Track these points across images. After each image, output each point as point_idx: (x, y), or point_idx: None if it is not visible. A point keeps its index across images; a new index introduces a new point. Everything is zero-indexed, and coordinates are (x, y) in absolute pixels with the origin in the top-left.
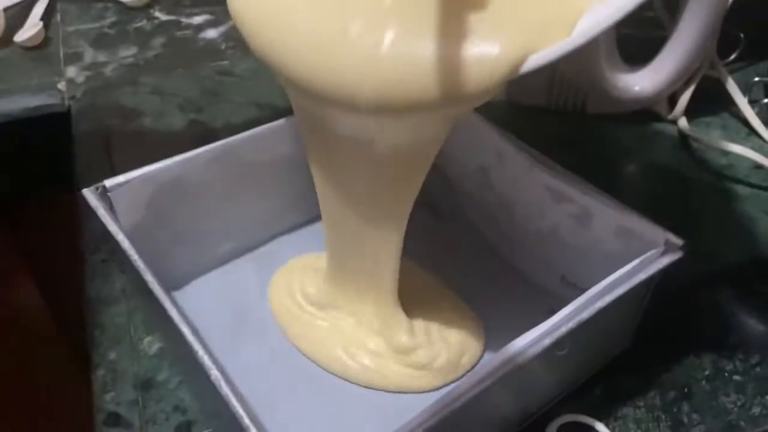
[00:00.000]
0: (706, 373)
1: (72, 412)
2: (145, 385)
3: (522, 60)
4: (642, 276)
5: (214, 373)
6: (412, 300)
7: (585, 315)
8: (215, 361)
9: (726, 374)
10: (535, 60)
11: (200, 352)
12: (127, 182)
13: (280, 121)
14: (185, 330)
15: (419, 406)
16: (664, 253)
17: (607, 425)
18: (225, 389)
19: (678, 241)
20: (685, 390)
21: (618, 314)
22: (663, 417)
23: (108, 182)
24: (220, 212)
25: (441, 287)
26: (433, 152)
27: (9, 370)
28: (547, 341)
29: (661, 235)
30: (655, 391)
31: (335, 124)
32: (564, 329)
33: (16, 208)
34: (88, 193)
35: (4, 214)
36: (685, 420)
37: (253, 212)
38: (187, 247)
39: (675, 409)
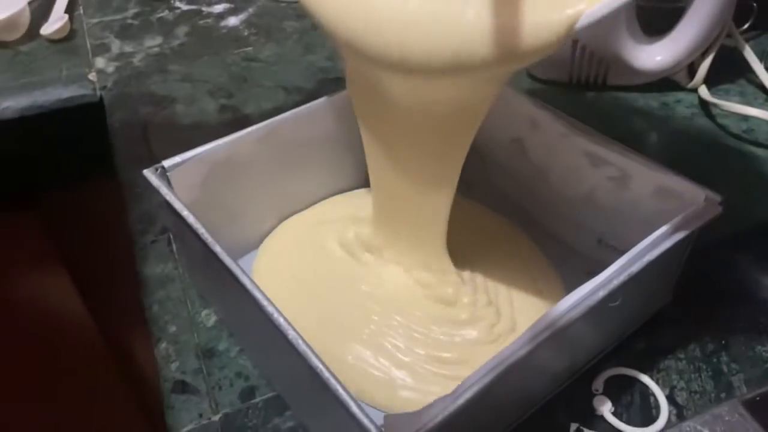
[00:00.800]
0: (742, 325)
1: (106, 402)
2: (207, 354)
3: (577, 17)
4: (685, 231)
5: (292, 333)
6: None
7: (635, 268)
8: (289, 322)
9: (760, 325)
10: (589, 15)
11: (275, 314)
12: (183, 162)
13: (321, 101)
14: (258, 295)
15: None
16: (704, 210)
17: (651, 377)
18: (303, 347)
19: (717, 197)
20: (723, 341)
21: (662, 269)
22: (703, 367)
23: (166, 162)
24: (267, 188)
25: (520, 237)
26: (485, 110)
27: (40, 360)
28: (601, 293)
29: (700, 193)
30: (695, 343)
31: (395, 86)
32: (616, 282)
33: (48, 198)
34: (149, 174)
35: (36, 204)
36: (725, 369)
37: (295, 187)
38: (236, 222)
39: (714, 360)
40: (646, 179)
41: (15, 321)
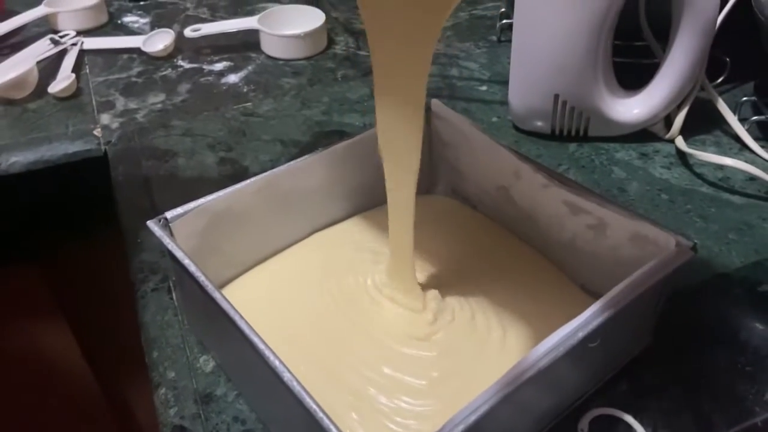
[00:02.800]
0: (721, 365)
1: None
2: (205, 399)
3: None
4: (658, 276)
5: (287, 376)
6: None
7: (611, 312)
8: (285, 365)
9: (739, 365)
10: None
11: (271, 357)
12: (185, 213)
13: (315, 154)
14: (256, 340)
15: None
16: (676, 255)
17: (634, 417)
18: (299, 390)
19: (688, 243)
20: (703, 381)
21: (638, 311)
22: (685, 407)
23: (169, 214)
24: (264, 235)
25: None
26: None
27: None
28: (581, 334)
29: (672, 238)
30: (676, 383)
31: None
32: (595, 323)
33: (49, 249)
34: (152, 224)
35: (38, 255)
36: (706, 408)
37: (291, 235)
38: (234, 268)
39: (695, 400)
40: (622, 227)
41: (12, 371)
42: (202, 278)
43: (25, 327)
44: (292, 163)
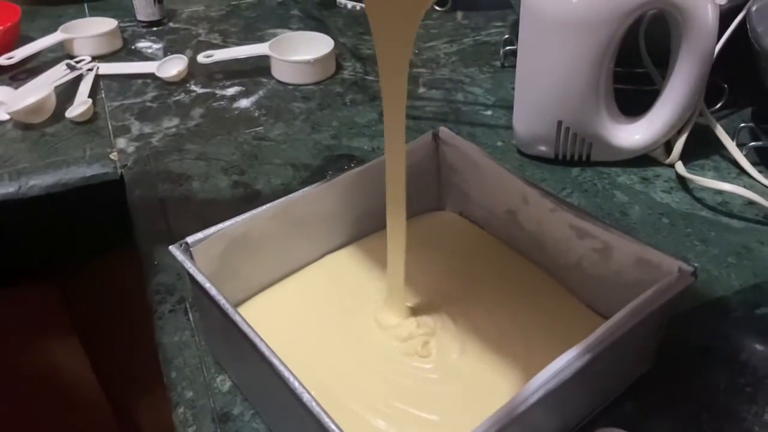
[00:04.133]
0: (722, 386)
1: None
2: (223, 418)
3: None
4: (661, 300)
5: (306, 397)
6: None
7: (615, 335)
8: (304, 386)
9: (738, 385)
10: None
11: (291, 378)
12: (205, 238)
13: (326, 182)
14: (276, 361)
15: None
16: (678, 279)
17: None
18: (317, 408)
19: (689, 268)
20: (704, 401)
21: (641, 334)
22: (687, 426)
23: (189, 239)
24: (278, 259)
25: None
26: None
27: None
28: (586, 357)
29: (674, 263)
30: (678, 403)
31: None
32: (600, 347)
33: (67, 270)
34: (174, 249)
35: (56, 276)
36: (707, 428)
37: (304, 258)
38: (251, 290)
39: (696, 419)
40: (627, 251)
41: (27, 389)
42: (222, 301)
43: (40, 346)
44: (305, 189)
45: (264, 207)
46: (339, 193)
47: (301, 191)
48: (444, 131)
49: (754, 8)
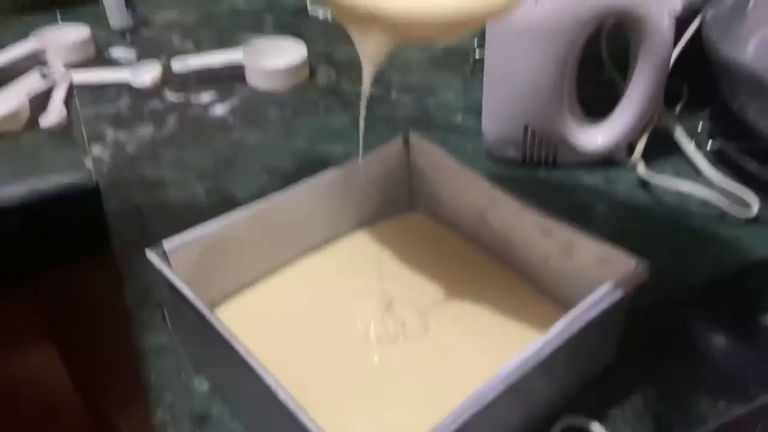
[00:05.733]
0: (681, 376)
1: None
2: (201, 419)
3: None
4: (618, 294)
5: (282, 395)
6: None
7: (574, 327)
8: (281, 384)
9: (699, 375)
10: None
11: (267, 377)
12: (182, 244)
13: (302, 184)
14: (251, 360)
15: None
16: (634, 275)
17: (602, 425)
18: (293, 405)
19: (645, 264)
20: (664, 391)
21: (603, 327)
22: (646, 415)
23: (166, 244)
24: (254, 260)
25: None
26: None
27: None
28: (548, 349)
29: (630, 260)
30: (640, 394)
31: None
32: (560, 339)
33: (43, 278)
34: (151, 254)
35: (32, 284)
36: (666, 415)
37: (281, 261)
38: (224, 292)
39: (655, 409)
40: (588, 249)
41: (5, 402)
42: (199, 305)
43: (16, 355)
44: (281, 192)
45: (240, 210)
46: (314, 195)
47: (277, 193)
48: (414, 136)
49: (708, 16)
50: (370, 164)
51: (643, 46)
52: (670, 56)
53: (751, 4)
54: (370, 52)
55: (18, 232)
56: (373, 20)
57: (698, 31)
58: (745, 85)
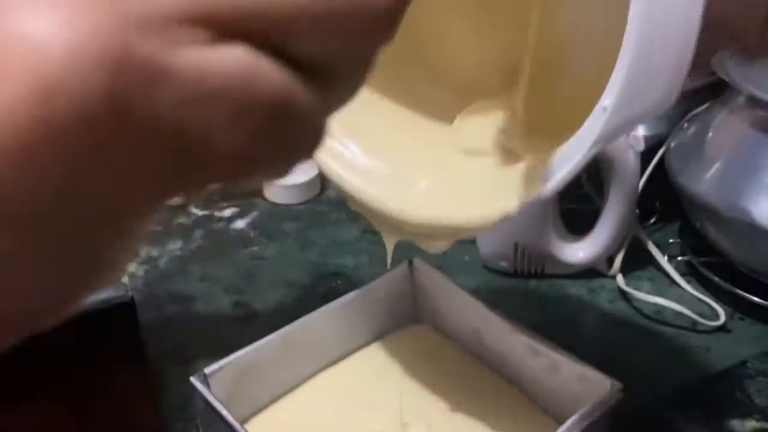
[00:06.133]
0: None
1: None
2: None
3: (507, 211)
4: (595, 414)
5: None
6: None
7: None
8: None
9: None
10: (514, 213)
11: None
12: (220, 368)
13: (320, 310)
14: None
15: None
16: (611, 395)
17: None
18: None
19: (619, 385)
20: None
21: None
22: None
23: (207, 370)
24: (282, 377)
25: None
26: None
27: None
28: None
29: (607, 381)
30: None
31: None
32: None
33: (77, 388)
34: (194, 380)
35: (66, 392)
36: None
37: (304, 372)
38: (255, 407)
39: None
40: (572, 369)
41: None
42: (235, 424)
43: None
44: (305, 318)
45: (270, 337)
46: (330, 317)
47: (301, 320)
48: (417, 261)
49: (672, 145)
50: (380, 286)
51: (613, 178)
52: (638, 186)
53: (709, 136)
54: (386, 234)
55: (54, 343)
56: (383, 222)
57: (663, 158)
58: (703, 212)
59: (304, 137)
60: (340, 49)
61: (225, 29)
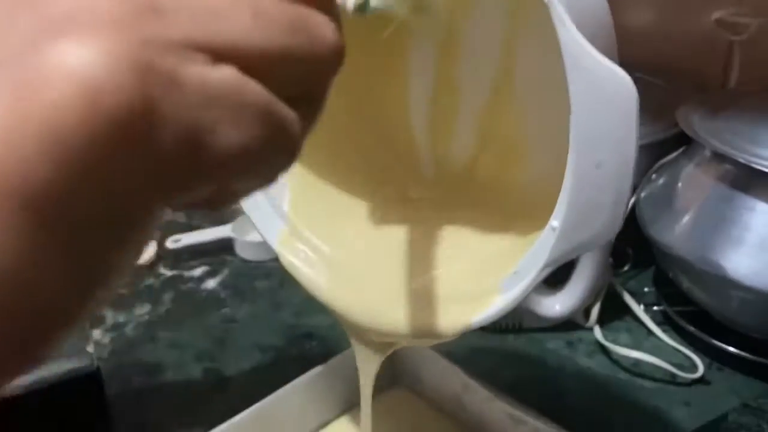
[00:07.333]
0: None
1: None
2: None
3: (470, 324)
4: None
5: None
6: None
7: None
8: None
9: None
10: (477, 323)
11: None
12: None
13: (296, 383)
14: None
15: None
16: None
17: None
18: None
19: None
20: None
21: None
22: None
23: None
24: None
25: None
26: None
27: None
28: None
29: None
30: None
31: None
32: None
33: None
34: None
35: None
36: None
37: None
38: None
39: None
40: None
41: None
42: None
43: None
44: (278, 392)
45: (244, 413)
46: (305, 389)
47: (276, 393)
48: None
49: (642, 195)
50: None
51: None
52: (612, 242)
53: (678, 186)
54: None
55: (15, 412)
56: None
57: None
58: (676, 263)
59: (286, 140)
60: (301, 77)
61: (218, 55)
